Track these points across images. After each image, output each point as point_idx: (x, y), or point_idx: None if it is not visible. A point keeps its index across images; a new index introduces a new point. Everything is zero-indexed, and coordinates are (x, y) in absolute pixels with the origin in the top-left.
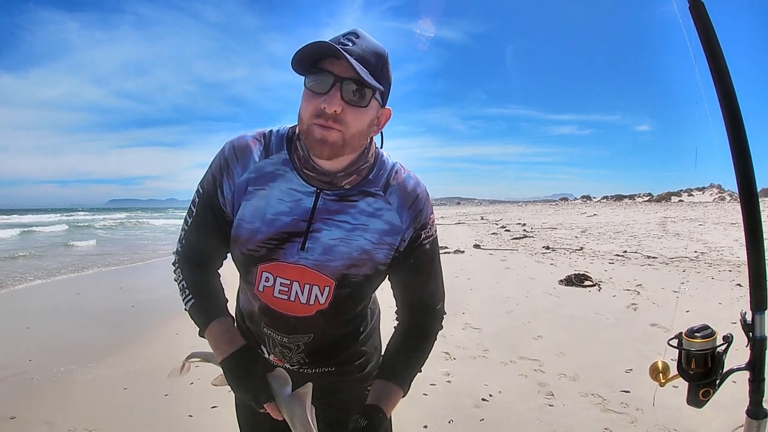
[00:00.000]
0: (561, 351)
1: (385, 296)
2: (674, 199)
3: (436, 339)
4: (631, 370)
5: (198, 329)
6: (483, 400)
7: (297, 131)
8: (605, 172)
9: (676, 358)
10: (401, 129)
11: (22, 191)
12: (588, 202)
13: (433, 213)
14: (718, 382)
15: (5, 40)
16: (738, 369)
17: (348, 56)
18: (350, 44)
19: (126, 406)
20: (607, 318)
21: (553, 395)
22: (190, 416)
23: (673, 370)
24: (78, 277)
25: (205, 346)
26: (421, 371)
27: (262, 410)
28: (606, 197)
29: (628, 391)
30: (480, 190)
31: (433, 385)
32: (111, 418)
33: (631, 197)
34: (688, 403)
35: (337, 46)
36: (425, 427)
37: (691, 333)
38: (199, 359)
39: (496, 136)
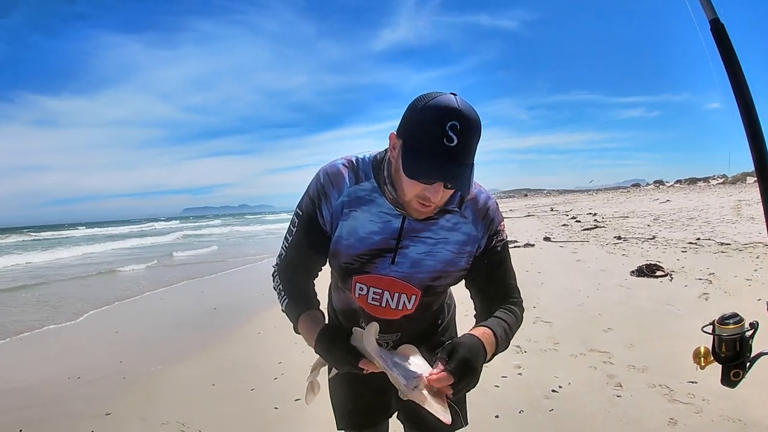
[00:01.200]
0: (631, 343)
1: (458, 289)
2: (749, 179)
3: (519, 322)
4: None
5: (293, 325)
6: (553, 391)
7: (384, 167)
8: (677, 155)
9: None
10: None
11: (101, 205)
12: (660, 187)
13: (503, 220)
14: (747, 364)
15: (74, 66)
16: (766, 353)
17: (455, 177)
18: (455, 139)
19: (215, 401)
20: (678, 309)
21: (621, 386)
22: (276, 408)
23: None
24: (169, 284)
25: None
26: (507, 346)
27: (363, 371)
28: (679, 181)
29: (695, 382)
30: (548, 180)
31: (505, 377)
32: (201, 412)
33: (705, 180)
34: (722, 383)
35: (440, 148)
36: (497, 416)
37: (722, 320)
38: (315, 375)
39: (561, 124)
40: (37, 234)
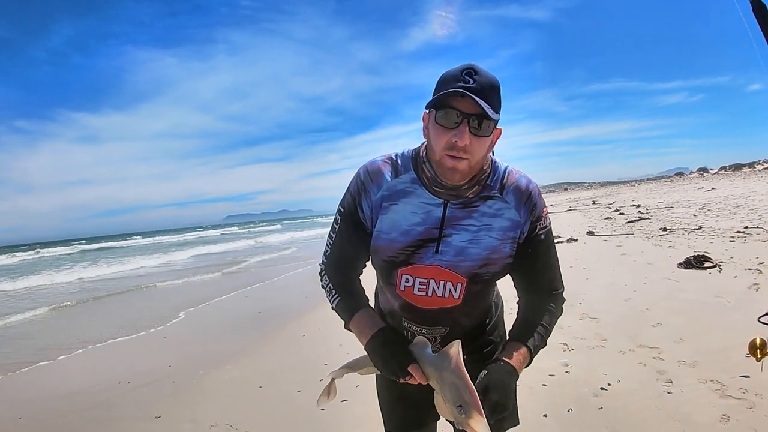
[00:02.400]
0: (680, 338)
1: (505, 290)
2: None
3: (557, 318)
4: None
5: (344, 323)
6: (601, 389)
7: (421, 153)
8: (721, 140)
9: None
10: (501, 118)
11: (146, 215)
12: (705, 174)
13: (546, 206)
14: None
15: (111, 83)
16: None
17: (473, 96)
18: (471, 81)
19: (262, 403)
20: (728, 301)
21: (671, 383)
22: (322, 410)
23: None
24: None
25: (340, 340)
26: (545, 344)
27: (408, 378)
28: (724, 167)
29: (748, 376)
30: (589, 173)
31: (552, 375)
32: (249, 414)
33: (751, 165)
34: None
35: (460, 85)
36: (545, 416)
37: None
38: (341, 374)
39: (601, 113)
40: (99, 244)
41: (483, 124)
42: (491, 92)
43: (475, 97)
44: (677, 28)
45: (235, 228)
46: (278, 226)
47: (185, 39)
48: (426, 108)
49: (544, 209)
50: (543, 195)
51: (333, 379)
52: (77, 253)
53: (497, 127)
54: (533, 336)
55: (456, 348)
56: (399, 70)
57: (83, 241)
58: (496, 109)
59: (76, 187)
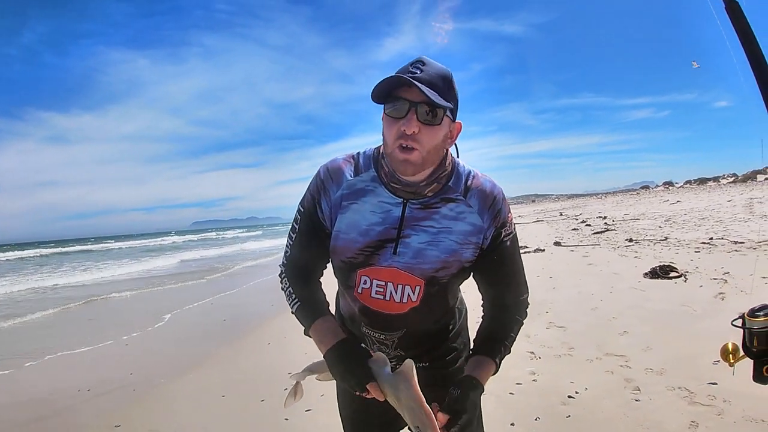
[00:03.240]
0: (647, 346)
1: (470, 297)
2: (760, 177)
3: (522, 324)
4: (718, 361)
5: (303, 328)
6: (569, 397)
7: (381, 151)
8: (687, 155)
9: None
10: (472, 129)
11: (112, 219)
12: (670, 188)
13: (510, 212)
14: None
15: (82, 83)
16: None
17: (418, 84)
18: (418, 72)
19: (225, 413)
20: (694, 310)
21: (639, 390)
22: (286, 419)
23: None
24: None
25: (303, 346)
26: (510, 351)
27: (365, 393)
28: (689, 181)
29: (716, 383)
30: (557, 185)
31: (519, 384)
32: (212, 424)
33: (715, 179)
34: (753, 380)
35: (407, 76)
36: (512, 425)
37: (753, 313)
38: (303, 377)
39: (570, 127)
40: (74, 247)
41: (433, 113)
42: (440, 81)
43: (420, 85)
44: (646, 45)
45: (213, 233)
46: (259, 232)
47: (159, 41)
48: (372, 98)
49: (509, 215)
50: (513, 206)
51: (298, 381)
52: (46, 257)
53: (456, 121)
54: (500, 350)
55: (411, 370)
56: (373, 79)
57: (51, 244)
58: (448, 98)
59: (44, 188)
